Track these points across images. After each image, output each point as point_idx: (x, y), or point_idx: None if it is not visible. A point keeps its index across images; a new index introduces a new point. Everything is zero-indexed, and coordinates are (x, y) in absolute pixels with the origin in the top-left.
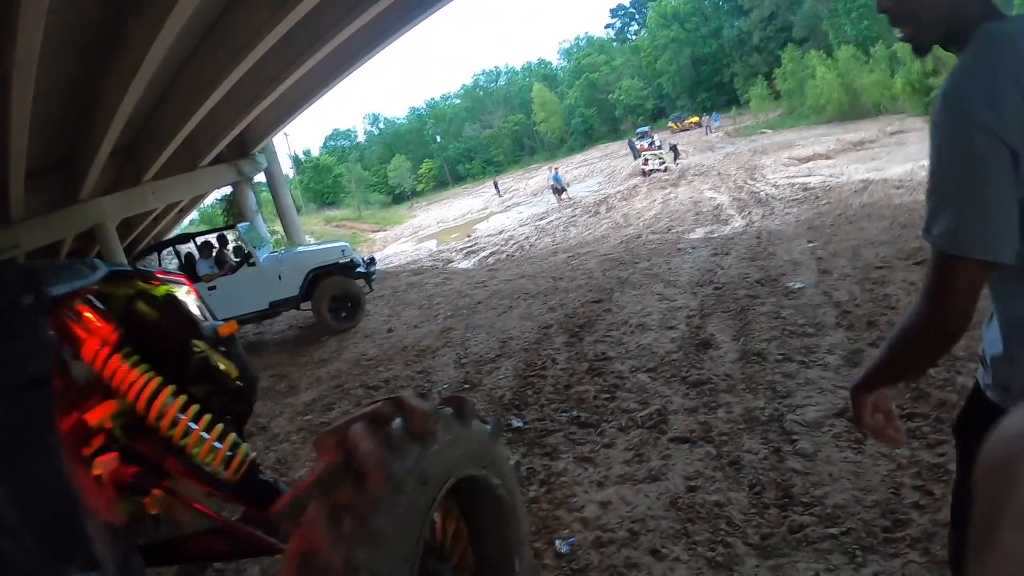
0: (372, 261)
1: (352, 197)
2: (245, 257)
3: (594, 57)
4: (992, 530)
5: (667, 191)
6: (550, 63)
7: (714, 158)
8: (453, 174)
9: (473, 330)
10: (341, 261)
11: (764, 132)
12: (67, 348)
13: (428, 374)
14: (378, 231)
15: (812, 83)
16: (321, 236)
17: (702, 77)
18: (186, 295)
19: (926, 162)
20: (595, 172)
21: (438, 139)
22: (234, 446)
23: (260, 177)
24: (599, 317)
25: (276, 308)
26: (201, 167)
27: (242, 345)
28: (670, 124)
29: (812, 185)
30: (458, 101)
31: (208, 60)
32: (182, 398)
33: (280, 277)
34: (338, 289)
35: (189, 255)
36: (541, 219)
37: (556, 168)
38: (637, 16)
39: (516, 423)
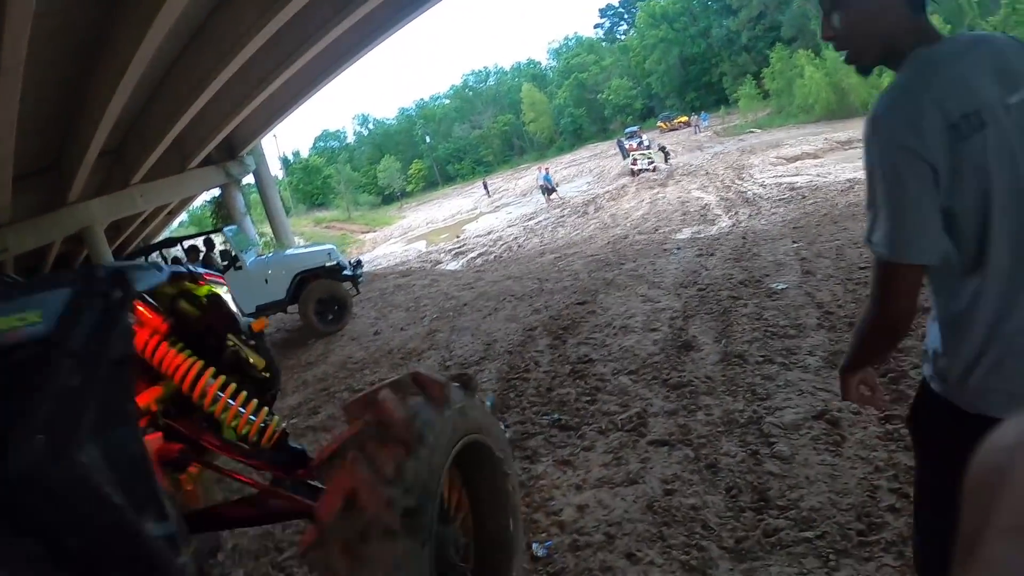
0: (359, 264)
1: (341, 198)
2: (232, 260)
3: (583, 57)
4: (978, 540)
5: (655, 191)
6: (539, 63)
7: (702, 157)
8: (443, 174)
9: (458, 332)
10: (328, 264)
11: (752, 131)
12: None
13: None
14: (367, 232)
15: (800, 82)
16: (311, 237)
17: (691, 76)
18: (226, 294)
19: None
20: (584, 172)
21: (427, 139)
22: (267, 418)
23: (249, 179)
24: (583, 319)
25: (263, 311)
26: (189, 169)
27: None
28: (659, 124)
29: (799, 185)
30: (447, 101)
31: (196, 62)
32: (221, 378)
33: (267, 280)
34: (325, 292)
35: (176, 259)
36: (530, 219)
37: (546, 168)
38: (626, 16)
39: None
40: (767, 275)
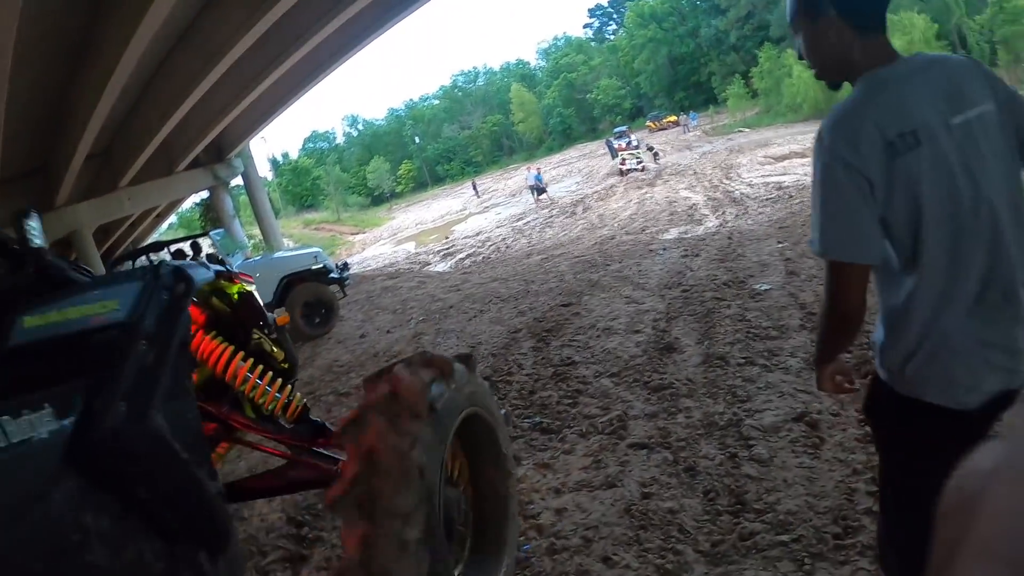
0: (345, 266)
1: (331, 200)
2: (218, 264)
3: (572, 57)
4: (949, 563)
5: (643, 191)
6: (528, 63)
7: (691, 157)
8: (432, 175)
9: (444, 335)
10: (314, 267)
11: (741, 130)
12: None
13: None
14: (357, 233)
15: (789, 82)
16: (300, 239)
17: (680, 76)
18: (255, 291)
19: None
20: (573, 172)
21: (417, 140)
22: (290, 396)
23: (238, 181)
24: (567, 321)
25: None
26: (177, 172)
27: None
28: (648, 123)
29: (786, 184)
30: (437, 102)
31: (183, 64)
32: (250, 361)
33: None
34: (311, 295)
35: (162, 263)
36: (518, 220)
37: (538, 168)
38: (615, 16)
39: None
40: (751, 276)
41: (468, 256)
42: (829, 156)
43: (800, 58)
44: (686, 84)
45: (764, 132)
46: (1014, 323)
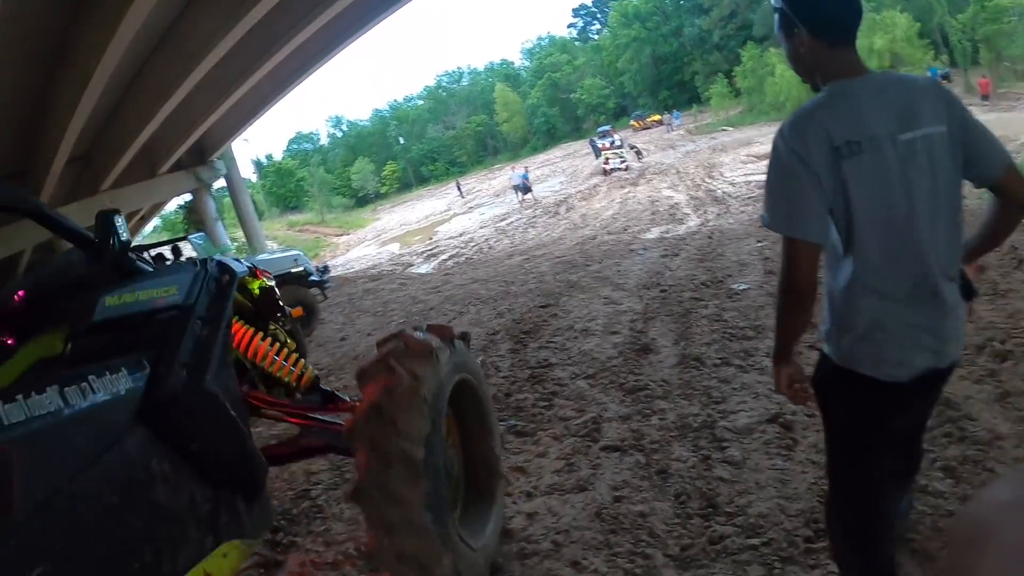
0: (325, 269)
1: (315, 201)
2: None
3: (556, 57)
4: None
5: (626, 190)
6: (512, 63)
7: (674, 156)
8: (417, 176)
9: None
10: (294, 270)
11: (725, 129)
12: None
13: None
14: (341, 235)
15: (771, 80)
16: (284, 241)
17: (663, 75)
18: (275, 286)
19: None
20: (557, 172)
21: (401, 141)
22: (303, 369)
23: (222, 183)
24: (545, 323)
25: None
26: (159, 175)
27: None
28: (632, 122)
29: None
30: (421, 102)
31: (163, 66)
32: (268, 339)
33: None
34: (291, 298)
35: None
36: (502, 220)
37: (524, 167)
38: (599, 15)
39: None
40: (730, 275)
41: (451, 257)
42: (785, 147)
43: (789, 65)
44: (670, 83)
45: (747, 131)
46: (942, 314)
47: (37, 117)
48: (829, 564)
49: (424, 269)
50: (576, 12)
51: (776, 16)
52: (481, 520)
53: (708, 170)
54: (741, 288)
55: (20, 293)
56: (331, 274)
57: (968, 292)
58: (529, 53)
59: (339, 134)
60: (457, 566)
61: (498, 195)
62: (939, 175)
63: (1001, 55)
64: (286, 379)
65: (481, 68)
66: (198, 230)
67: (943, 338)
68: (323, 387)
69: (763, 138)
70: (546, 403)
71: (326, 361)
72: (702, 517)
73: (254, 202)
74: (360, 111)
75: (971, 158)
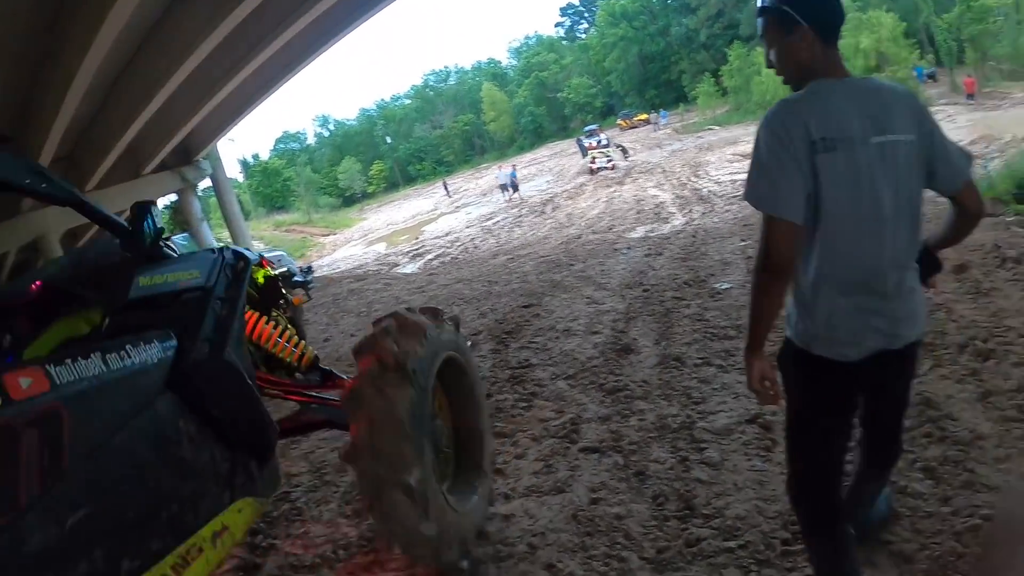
0: (309, 270)
1: (302, 201)
2: None
3: (544, 56)
4: None
5: (612, 189)
6: (500, 62)
7: (660, 155)
8: (404, 175)
9: None
10: (277, 271)
11: (711, 128)
12: None
13: None
14: (328, 235)
15: (758, 80)
16: (270, 241)
17: (650, 75)
18: (277, 275)
19: None
20: (544, 171)
21: (388, 140)
22: (304, 350)
23: (208, 183)
24: (527, 323)
25: None
26: (144, 175)
27: None
28: (619, 122)
29: None
30: (408, 102)
31: (148, 65)
32: (272, 323)
33: None
34: None
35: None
36: (488, 220)
37: (512, 165)
38: (586, 15)
39: None
40: (712, 274)
41: (436, 257)
42: (770, 133)
43: (769, 67)
44: (657, 82)
45: (734, 130)
46: (895, 299)
47: (21, 117)
48: (806, 568)
49: (409, 269)
50: (563, 11)
51: (762, 18)
52: (469, 488)
53: (694, 169)
54: (723, 287)
55: (37, 283)
56: (316, 274)
57: (933, 267)
58: (516, 52)
59: (326, 133)
60: (441, 526)
61: (485, 194)
62: (904, 178)
63: (986, 55)
64: (288, 360)
65: (468, 67)
66: (183, 230)
67: (895, 320)
68: (322, 366)
69: (749, 137)
70: (526, 404)
71: None
72: (679, 519)
73: (240, 202)
74: (347, 110)
75: (934, 171)
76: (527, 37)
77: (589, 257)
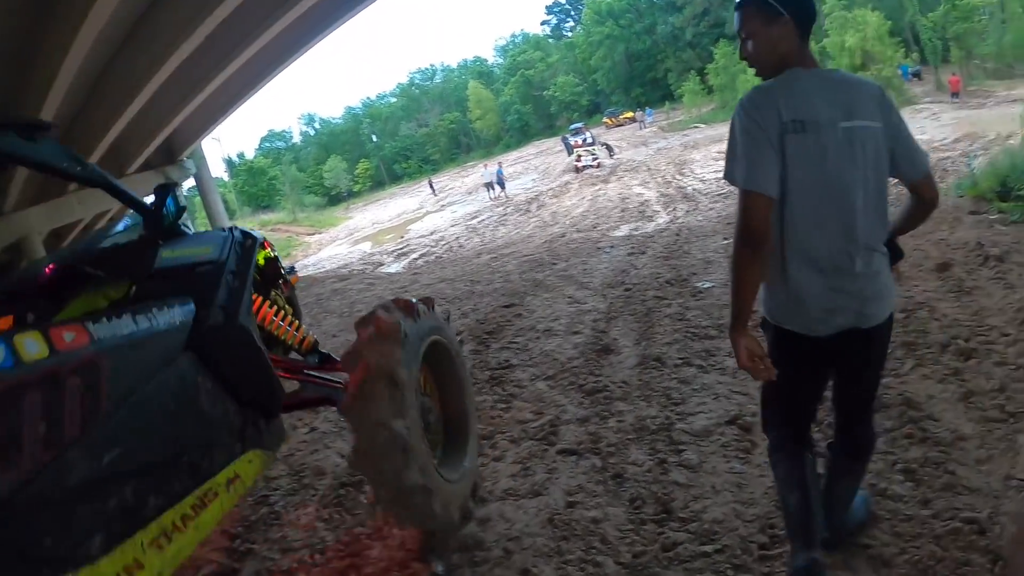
0: (291, 270)
1: (287, 200)
2: None
3: (530, 54)
4: None
5: (597, 187)
6: (486, 60)
7: (646, 153)
8: (390, 174)
9: None
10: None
11: (697, 126)
12: None
13: None
14: (313, 234)
15: (743, 78)
16: None
17: (636, 73)
18: (278, 256)
19: None
20: (530, 169)
21: (374, 139)
22: (305, 333)
23: (192, 182)
24: (509, 323)
25: None
26: (128, 175)
27: None
28: (605, 120)
29: None
30: (394, 100)
31: (130, 65)
32: (274, 307)
33: None
34: None
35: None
36: (473, 218)
37: (499, 163)
38: (573, 13)
39: None
40: (695, 273)
41: (421, 256)
42: (745, 115)
43: (743, 59)
44: (643, 81)
45: (719, 128)
46: (863, 279)
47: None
48: (783, 572)
49: (394, 268)
50: (549, 9)
51: (740, 12)
52: (457, 458)
53: (679, 167)
54: (705, 286)
55: (51, 267)
56: (299, 274)
57: (895, 254)
58: (502, 50)
59: (312, 132)
60: (429, 483)
61: (470, 192)
62: (871, 162)
63: (971, 53)
64: (289, 341)
65: (454, 65)
66: None
67: (863, 299)
68: (321, 349)
69: None
70: (505, 405)
71: None
72: (656, 523)
73: (225, 201)
74: (333, 109)
75: (896, 161)
76: (513, 35)
77: (572, 256)
